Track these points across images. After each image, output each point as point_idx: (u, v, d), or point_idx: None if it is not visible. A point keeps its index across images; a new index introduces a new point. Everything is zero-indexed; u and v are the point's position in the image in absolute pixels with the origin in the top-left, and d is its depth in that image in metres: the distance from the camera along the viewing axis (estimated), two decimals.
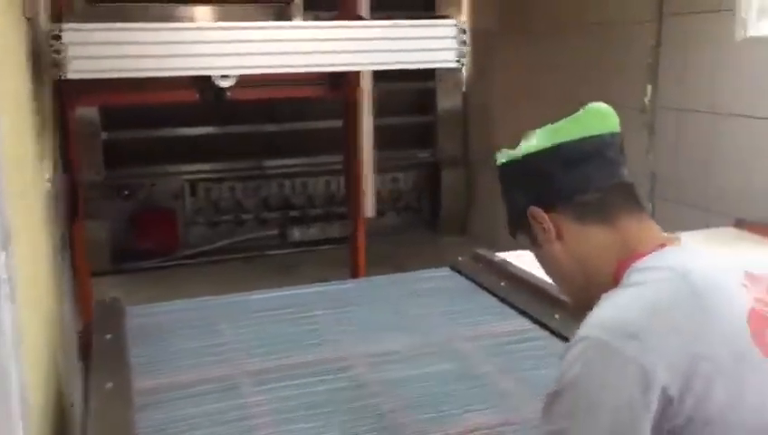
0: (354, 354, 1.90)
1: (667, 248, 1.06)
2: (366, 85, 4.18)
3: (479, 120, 5.93)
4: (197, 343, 2.00)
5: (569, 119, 1.14)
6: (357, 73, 3.55)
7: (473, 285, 2.41)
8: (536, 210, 1.13)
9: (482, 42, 5.13)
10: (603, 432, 0.89)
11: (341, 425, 1.56)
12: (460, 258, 2.63)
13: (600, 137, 1.11)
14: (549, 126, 1.14)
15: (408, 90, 6.13)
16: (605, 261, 1.06)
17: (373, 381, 1.76)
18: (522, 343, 1.95)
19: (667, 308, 0.95)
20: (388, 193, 6.16)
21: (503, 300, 2.26)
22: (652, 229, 1.11)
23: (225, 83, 2.76)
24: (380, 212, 5.35)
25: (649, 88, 3.80)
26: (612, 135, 1.13)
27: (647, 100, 3.80)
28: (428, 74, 5.94)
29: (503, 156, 1.19)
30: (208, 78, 2.70)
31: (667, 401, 0.89)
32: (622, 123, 1.16)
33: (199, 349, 1.96)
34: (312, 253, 5.62)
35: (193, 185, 5.73)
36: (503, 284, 2.34)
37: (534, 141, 1.14)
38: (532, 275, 2.19)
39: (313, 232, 5.86)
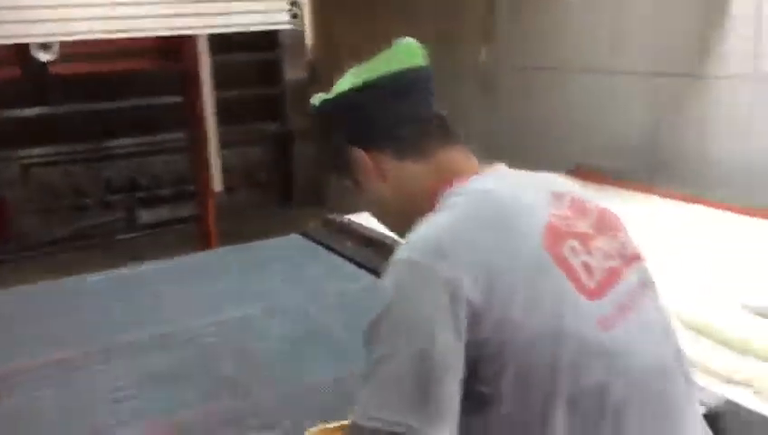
0: (198, 325, 1.86)
1: (480, 174, 1.10)
2: (204, 57, 4.05)
3: (326, 89, 5.90)
4: (37, 329, 1.92)
5: (377, 56, 1.14)
6: (193, 44, 3.43)
7: (322, 250, 2.42)
8: (354, 150, 1.13)
9: (324, 10, 5.09)
10: (422, 351, 0.92)
11: (189, 393, 1.55)
12: (311, 225, 2.63)
13: (409, 71, 1.13)
14: (359, 65, 1.14)
15: (251, 61, 6.00)
16: (425, 194, 1.09)
17: (218, 349, 1.74)
18: (367, 300, 1.98)
19: (471, 226, 0.99)
20: (238, 168, 6.04)
21: (351, 260, 2.28)
22: (469, 159, 1.14)
23: (46, 56, 2.58)
24: (231, 188, 5.24)
25: (484, 50, 3.93)
26: (421, 68, 1.14)
27: (482, 60, 3.93)
28: (271, 44, 5.86)
29: (316, 99, 1.18)
30: (28, 52, 2.52)
31: (474, 315, 0.93)
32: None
33: (40, 334, 1.88)
34: (163, 234, 5.41)
35: (25, 170, 5.34)
36: (349, 244, 2.36)
37: (346, 81, 1.14)
38: (378, 233, 2.22)
39: (163, 212, 5.64)
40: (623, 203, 2.67)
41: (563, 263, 0.99)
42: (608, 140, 3.23)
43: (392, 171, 1.12)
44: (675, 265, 2.11)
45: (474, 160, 1.14)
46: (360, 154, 1.13)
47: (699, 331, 1.72)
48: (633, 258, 1.09)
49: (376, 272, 2.13)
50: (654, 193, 2.77)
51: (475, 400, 0.95)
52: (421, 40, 1.17)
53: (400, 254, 0.99)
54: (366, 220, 2.46)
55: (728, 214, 2.52)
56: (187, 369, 1.65)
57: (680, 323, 1.68)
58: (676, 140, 3.07)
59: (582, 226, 1.05)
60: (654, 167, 3.10)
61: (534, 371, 0.94)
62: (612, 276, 1.03)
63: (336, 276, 2.18)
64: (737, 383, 1.53)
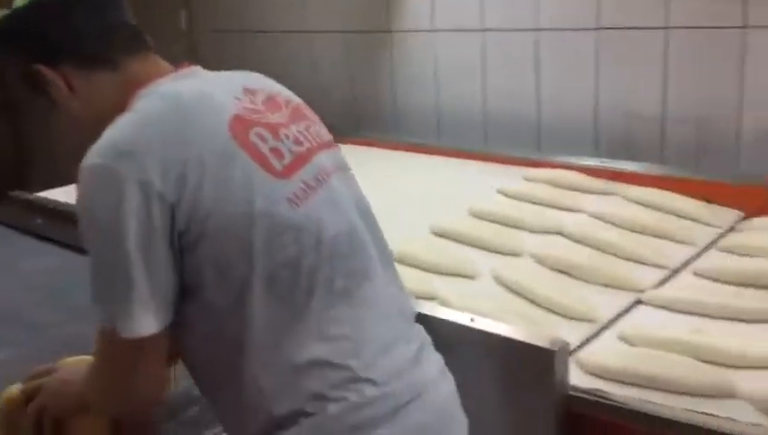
0: None
1: (167, 77, 1.11)
2: None
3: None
4: None
5: None
6: None
7: (8, 230, 2.19)
8: (42, 68, 1.09)
9: None
10: (119, 251, 0.95)
11: None
12: None
13: None
14: None
15: None
16: (117, 104, 1.07)
17: None
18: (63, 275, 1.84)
19: (154, 123, 1.01)
20: None
21: (43, 237, 2.09)
22: (158, 65, 1.14)
23: None
24: None
25: (183, 13, 3.82)
26: None
27: (182, 24, 3.83)
28: None
29: None
30: None
31: (168, 209, 0.96)
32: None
33: None
34: None
35: None
36: (40, 221, 2.17)
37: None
38: (69, 205, 2.06)
39: None
40: None
41: (250, 148, 1.03)
42: (310, 96, 3.31)
43: (82, 85, 1.09)
44: (376, 202, 2.24)
45: (165, 67, 1.14)
46: (47, 72, 1.09)
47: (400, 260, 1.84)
48: (325, 145, 1.16)
49: (71, 246, 1.98)
50: (358, 144, 2.89)
51: (184, 290, 1.01)
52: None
53: (86, 161, 0.98)
54: (57, 195, 2.28)
55: (420, 155, 2.72)
56: None
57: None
58: (371, 92, 3.24)
59: (274, 117, 1.10)
60: (356, 118, 3.25)
61: (231, 256, 0.99)
62: (302, 159, 1.09)
63: (28, 255, 1.99)
64: (427, 297, 1.66)
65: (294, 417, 1.01)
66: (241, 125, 1.05)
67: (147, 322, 0.98)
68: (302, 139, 1.11)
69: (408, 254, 1.83)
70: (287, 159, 1.07)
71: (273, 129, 1.08)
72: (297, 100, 1.21)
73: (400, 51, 3.11)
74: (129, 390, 1.03)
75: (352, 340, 1.05)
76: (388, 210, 2.18)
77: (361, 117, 3.26)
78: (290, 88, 1.24)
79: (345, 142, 2.89)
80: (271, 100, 1.14)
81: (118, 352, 1.01)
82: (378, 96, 3.22)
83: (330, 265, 1.05)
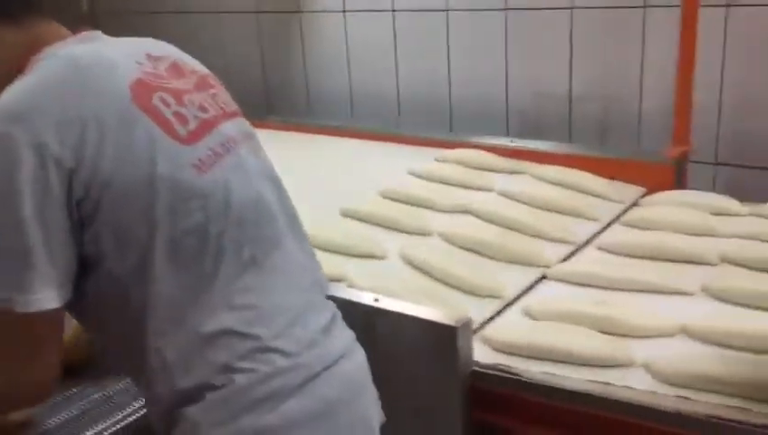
0: None
1: (68, 40, 1.06)
2: None
3: None
4: None
5: None
6: None
7: None
8: None
9: None
10: (11, 221, 0.90)
11: None
12: None
13: None
14: None
15: None
16: (16, 62, 1.02)
17: None
18: None
19: (51, 86, 0.96)
20: None
21: None
22: (59, 29, 1.09)
23: None
24: None
25: None
26: None
27: (84, 7, 3.67)
28: None
29: None
30: None
31: (66, 175, 0.92)
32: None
33: None
34: None
35: None
36: None
37: None
38: None
39: None
40: None
41: (153, 112, 1.00)
42: (220, 79, 3.23)
43: None
44: (287, 185, 2.20)
45: (65, 32, 1.09)
46: None
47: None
48: (231, 114, 1.13)
49: None
50: (269, 127, 2.83)
51: (83, 261, 0.96)
52: None
53: None
54: None
55: (332, 137, 2.69)
56: None
57: None
58: (282, 74, 3.19)
59: (178, 83, 1.07)
60: (266, 101, 3.19)
61: (131, 223, 0.95)
62: (207, 125, 1.06)
63: None
64: (335, 279, 1.63)
65: (201, 390, 0.97)
66: (143, 89, 1.01)
67: (48, 294, 0.92)
68: (207, 106, 1.08)
69: (318, 236, 1.79)
70: (192, 124, 1.03)
71: (177, 94, 1.04)
72: (204, 69, 1.17)
73: (312, 32, 3.06)
74: (23, 376, 0.96)
75: (261, 309, 1.02)
76: (298, 193, 2.14)
77: (272, 99, 3.21)
78: None
79: (256, 126, 2.83)
80: (175, 67, 1.10)
81: (12, 333, 0.94)
82: (289, 78, 3.16)
83: (237, 232, 1.02)
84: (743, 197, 1.97)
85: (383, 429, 1.17)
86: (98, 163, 0.93)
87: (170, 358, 0.97)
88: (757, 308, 1.47)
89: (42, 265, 0.91)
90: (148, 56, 1.08)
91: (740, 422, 1.16)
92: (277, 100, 3.18)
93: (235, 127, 1.11)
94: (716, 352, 1.34)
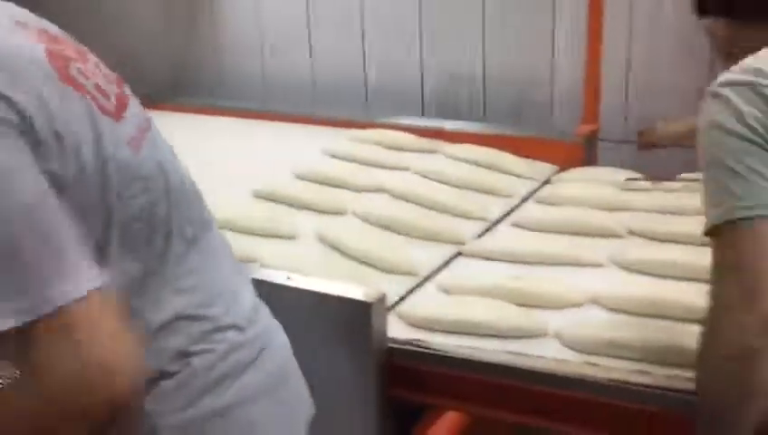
0: None
1: None
2: None
3: None
4: None
5: None
6: None
7: None
8: None
9: None
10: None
11: None
12: None
13: None
14: None
15: None
16: None
17: None
18: None
19: None
20: None
21: None
22: None
23: None
24: None
25: None
26: None
27: None
28: None
29: None
30: None
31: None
32: None
33: None
34: None
35: None
36: None
37: None
38: None
39: None
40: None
41: (80, 87, 0.87)
42: (125, 61, 3.11)
43: None
44: (198, 168, 2.13)
45: None
46: None
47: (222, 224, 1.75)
48: (120, 82, 1.01)
49: None
50: (179, 110, 2.74)
51: None
52: None
53: None
54: None
55: (244, 120, 2.62)
56: None
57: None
58: (192, 57, 3.09)
59: (70, 53, 0.92)
60: (176, 84, 3.09)
61: (89, 210, 0.82)
62: (123, 99, 0.95)
63: None
64: (249, 260, 1.59)
65: (155, 380, 0.90)
66: (58, 60, 0.87)
67: (91, 272, 0.76)
68: (106, 77, 0.95)
69: (230, 217, 1.75)
70: (112, 98, 0.92)
71: (81, 65, 0.90)
72: (68, 37, 1.01)
73: (222, 12, 2.98)
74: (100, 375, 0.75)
75: (206, 289, 0.96)
76: (210, 175, 2.09)
77: (182, 83, 3.10)
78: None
79: (163, 108, 2.75)
80: (47, 34, 0.94)
81: (61, 341, 0.74)
82: (198, 60, 3.07)
83: (179, 213, 0.94)
84: (648, 173, 2.02)
85: None
86: (51, 148, 0.79)
87: None
88: (662, 277, 1.52)
89: (71, 241, 0.79)
90: (17, 23, 0.92)
91: (641, 385, 1.19)
92: (186, 82, 3.08)
93: (135, 100, 1.01)
94: (623, 319, 1.38)
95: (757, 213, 0.92)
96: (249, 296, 1.06)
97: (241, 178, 2.03)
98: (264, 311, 1.10)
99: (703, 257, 1.50)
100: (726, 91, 0.96)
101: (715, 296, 0.96)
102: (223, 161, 2.23)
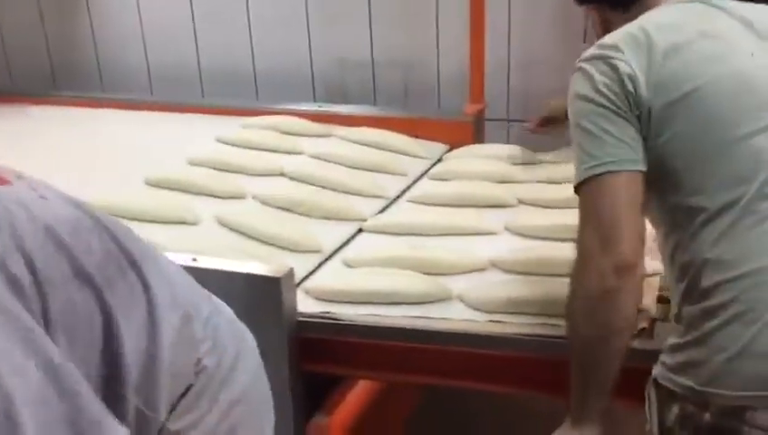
0: None
1: None
2: None
3: None
4: None
5: None
6: None
7: None
8: None
9: None
10: None
11: None
12: None
13: None
14: None
15: None
16: None
17: None
18: None
19: None
20: None
21: None
22: None
23: None
24: None
25: None
26: None
27: None
28: None
29: None
30: None
31: None
32: None
33: None
34: None
35: None
36: None
37: None
38: None
39: None
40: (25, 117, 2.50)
41: None
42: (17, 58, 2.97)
43: None
44: (87, 159, 2.08)
45: None
46: None
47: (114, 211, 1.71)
48: None
49: None
50: (61, 103, 2.63)
51: None
52: None
53: None
54: None
55: (132, 112, 2.55)
56: None
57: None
58: (71, 51, 2.97)
59: None
60: (55, 78, 2.96)
61: None
62: None
63: None
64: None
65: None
66: None
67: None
68: None
69: (122, 205, 1.71)
70: None
71: None
72: None
73: (101, 4, 2.87)
74: None
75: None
76: (100, 167, 2.05)
77: (63, 76, 2.97)
78: None
79: (43, 102, 2.63)
80: None
81: None
82: (80, 53, 2.94)
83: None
84: (532, 149, 2.13)
85: None
86: None
87: None
88: (551, 239, 1.62)
89: None
90: None
91: (541, 336, 1.27)
92: (67, 75, 2.95)
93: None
94: (521, 279, 1.45)
95: (607, 169, 1.03)
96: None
97: (132, 168, 1.98)
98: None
99: None
100: (586, 65, 1.10)
101: (578, 246, 1.07)
102: (112, 153, 2.17)
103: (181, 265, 1.36)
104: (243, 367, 0.96)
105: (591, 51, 1.11)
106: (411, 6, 2.48)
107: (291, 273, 1.36)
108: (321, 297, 1.44)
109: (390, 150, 2.16)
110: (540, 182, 1.94)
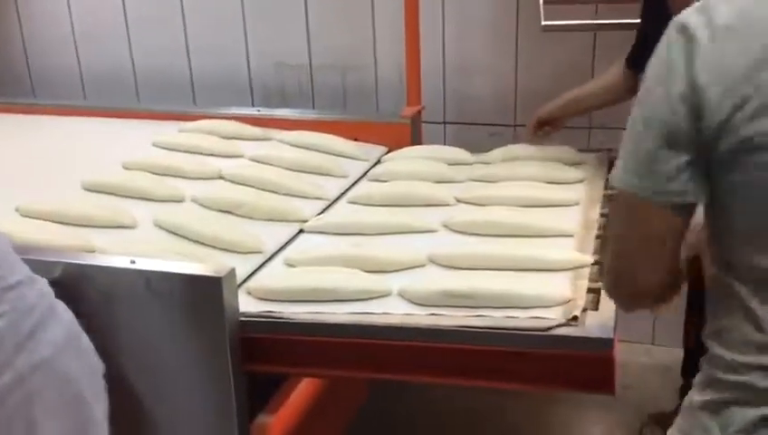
0: None
1: None
2: None
3: None
4: None
5: None
6: None
7: None
8: None
9: None
10: None
11: None
12: None
13: None
14: None
15: None
16: None
17: None
18: None
19: None
20: None
21: None
22: None
23: None
24: None
25: None
26: None
27: None
28: None
29: None
30: None
31: None
32: None
33: None
34: None
35: None
36: None
37: None
38: None
39: None
40: None
41: None
42: None
43: None
44: (21, 166, 2.04)
45: None
46: None
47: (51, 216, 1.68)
48: None
49: None
50: None
51: None
52: None
53: None
54: None
55: (64, 117, 2.50)
56: None
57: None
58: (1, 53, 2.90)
59: None
60: None
61: None
62: None
63: None
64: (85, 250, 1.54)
65: None
66: None
67: None
68: None
69: (60, 210, 1.68)
70: None
71: None
72: None
73: (30, 10, 2.81)
74: None
75: None
76: (37, 172, 2.00)
77: None
78: None
79: None
80: None
81: None
82: (8, 58, 2.88)
83: None
84: (468, 149, 2.18)
85: (156, 390, 1.13)
86: None
87: None
88: (487, 235, 1.66)
89: None
90: None
91: (478, 328, 1.30)
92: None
93: None
94: (459, 273, 1.49)
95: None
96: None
97: (68, 174, 1.95)
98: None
99: (516, 216, 1.70)
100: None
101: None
102: (46, 159, 2.13)
103: (119, 267, 1.38)
104: (45, 338, 1.03)
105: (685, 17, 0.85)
106: (348, 10, 2.51)
107: (232, 273, 1.36)
108: (262, 297, 1.45)
109: (330, 153, 2.18)
110: (475, 181, 1.99)
